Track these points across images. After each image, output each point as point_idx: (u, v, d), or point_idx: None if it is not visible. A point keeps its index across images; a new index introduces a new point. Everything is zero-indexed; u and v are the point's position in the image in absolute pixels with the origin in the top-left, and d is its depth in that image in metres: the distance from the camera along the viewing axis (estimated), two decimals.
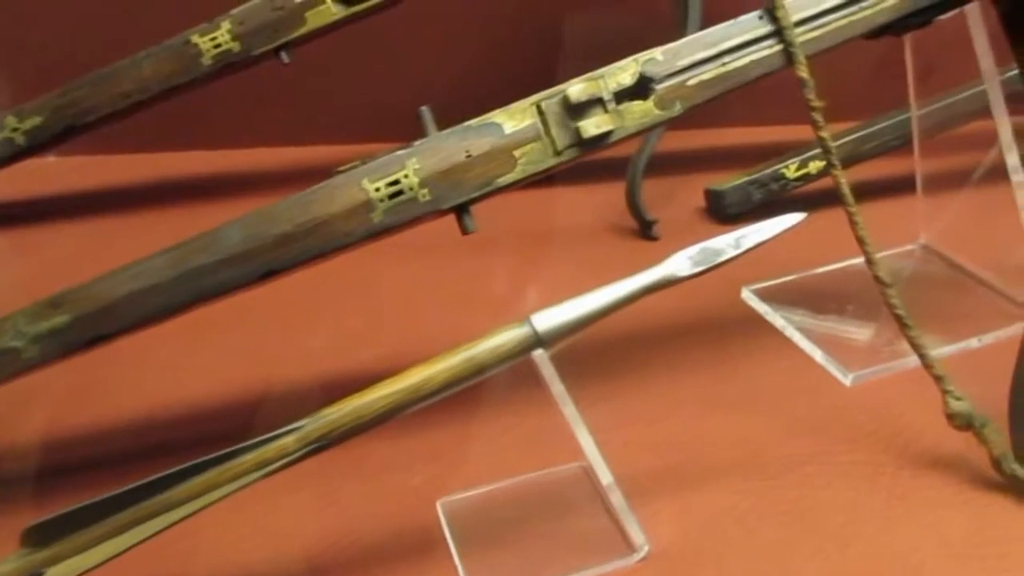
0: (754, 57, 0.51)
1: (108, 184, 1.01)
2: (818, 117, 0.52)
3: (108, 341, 0.50)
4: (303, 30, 0.79)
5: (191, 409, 0.66)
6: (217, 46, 0.79)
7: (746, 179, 0.85)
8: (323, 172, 0.98)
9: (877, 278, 0.54)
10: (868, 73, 0.83)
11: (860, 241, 0.54)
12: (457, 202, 0.50)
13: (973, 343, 0.68)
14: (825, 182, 0.89)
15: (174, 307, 0.50)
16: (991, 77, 0.61)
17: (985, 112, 0.67)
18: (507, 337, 0.44)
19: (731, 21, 0.51)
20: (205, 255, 0.49)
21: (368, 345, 0.72)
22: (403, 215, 0.50)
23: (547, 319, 0.45)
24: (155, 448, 0.63)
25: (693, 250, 0.45)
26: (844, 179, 0.53)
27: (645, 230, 0.84)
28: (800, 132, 0.86)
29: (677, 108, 0.51)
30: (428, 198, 0.50)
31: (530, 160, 0.50)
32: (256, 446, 0.41)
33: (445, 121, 0.93)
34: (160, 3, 0.91)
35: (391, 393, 0.43)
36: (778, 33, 0.50)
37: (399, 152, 0.50)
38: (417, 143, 0.50)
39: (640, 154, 0.85)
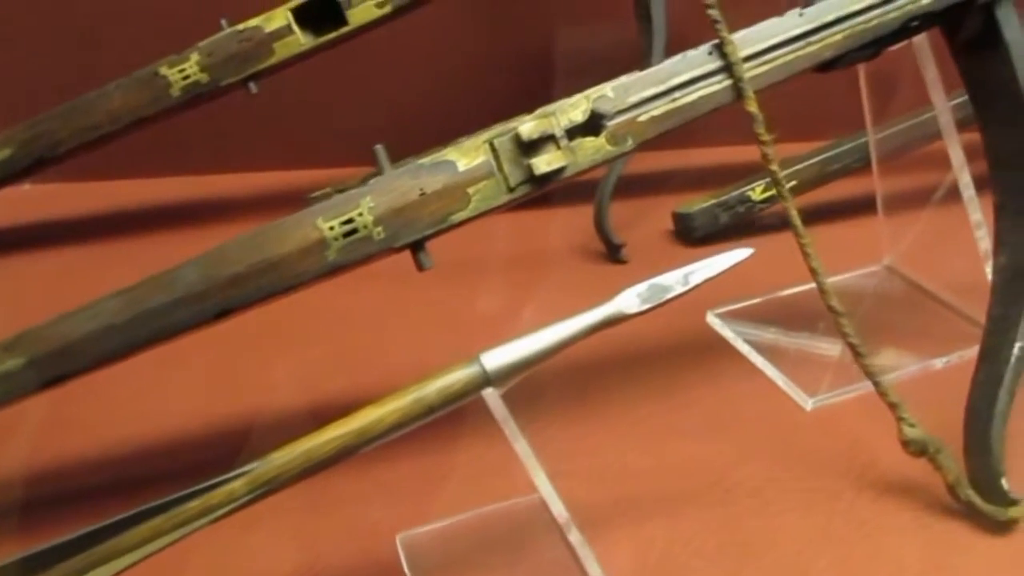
0: (704, 92, 0.51)
1: (84, 212, 1.01)
2: (768, 150, 0.53)
3: (65, 382, 0.50)
4: (271, 61, 0.80)
5: (156, 444, 0.66)
6: (186, 77, 0.80)
7: (713, 202, 0.86)
8: (296, 197, 0.98)
9: (830, 307, 0.55)
10: (845, 88, 0.84)
11: (812, 272, 0.54)
12: (411, 240, 0.50)
13: (936, 364, 0.68)
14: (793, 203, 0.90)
15: (130, 347, 0.50)
16: (941, 104, 0.62)
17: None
18: (456, 377, 0.44)
19: (680, 57, 0.52)
20: (160, 295, 0.49)
21: (334, 375, 0.72)
22: (357, 253, 0.50)
23: (496, 358, 0.45)
24: (120, 483, 0.63)
25: (642, 287, 0.46)
26: (795, 210, 0.54)
27: (613, 253, 0.85)
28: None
29: (629, 143, 0.51)
30: (382, 236, 0.50)
31: (484, 197, 0.50)
32: (204, 491, 0.41)
33: (415, 145, 0.94)
34: (128, 36, 0.92)
35: (340, 435, 0.43)
36: (727, 68, 0.51)
37: (353, 191, 0.51)
38: (371, 182, 0.51)
39: (607, 177, 0.85)
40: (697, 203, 0.87)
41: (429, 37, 0.98)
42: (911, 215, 0.78)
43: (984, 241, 0.68)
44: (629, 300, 0.45)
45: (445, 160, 0.50)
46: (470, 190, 0.50)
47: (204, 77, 0.80)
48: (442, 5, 0.82)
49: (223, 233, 0.99)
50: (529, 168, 0.50)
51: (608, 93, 0.51)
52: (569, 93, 0.92)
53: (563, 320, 0.46)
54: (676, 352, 0.70)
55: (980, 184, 0.67)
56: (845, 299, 0.76)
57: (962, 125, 0.66)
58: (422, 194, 0.50)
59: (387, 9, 0.79)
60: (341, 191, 0.97)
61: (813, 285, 0.76)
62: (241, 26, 0.79)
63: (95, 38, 0.96)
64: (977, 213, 0.68)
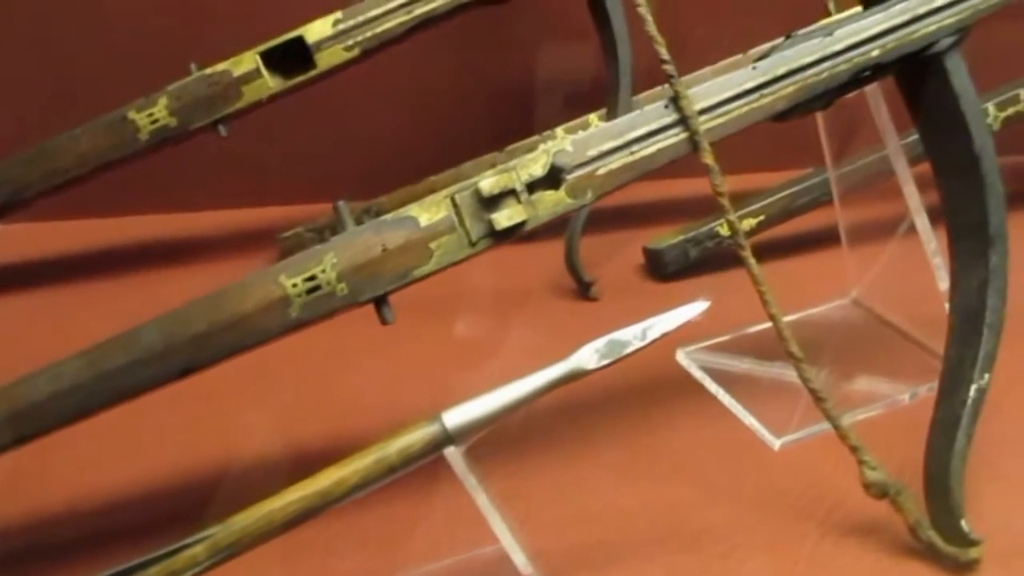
0: (660, 146, 0.52)
1: (53, 252, 1.00)
2: (724, 202, 0.54)
3: (26, 443, 0.50)
4: (240, 104, 0.80)
5: (127, 494, 0.66)
6: (154, 121, 0.80)
7: (682, 237, 0.87)
8: (268, 235, 0.99)
9: (789, 353, 0.55)
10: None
11: (772, 318, 0.55)
12: (374, 295, 0.51)
13: (903, 399, 0.69)
14: (760, 237, 0.91)
15: (93, 408, 0.50)
16: (895, 149, 0.63)
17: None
18: (418, 436, 0.45)
19: (638, 111, 0.52)
20: (122, 356, 0.49)
21: (309, 418, 0.72)
22: (320, 310, 0.51)
23: (457, 416, 0.45)
24: (91, 536, 0.63)
25: (600, 343, 0.46)
26: (752, 259, 0.54)
27: (584, 291, 0.85)
28: (740, 182, 0.88)
29: (588, 196, 0.52)
30: (345, 292, 0.51)
31: (445, 252, 0.51)
32: (165, 557, 0.41)
33: (386, 182, 0.95)
34: (96, 81, 0.92)
35: (302, 497, 0.43)
36: (683, 122, 0.52)
37: (316, 247, 0.51)
38: (334, 238, 0.51)
39: (577, 216, 0.86)
40: (667, 238, 0.88)
41: (400, 74, 0.98)
42: (877, 247, 0.79)
43: (943, 270, 0.69)
44: (588, 356, 0.46)
45: (407, 216, 0.51)
46: (432, 245, 0.51)
47: (173, 121, 0.80)
48: (411, 44, 0.83)
49: (195, 272, 1.00)
50: (490, 223, 0.51)
51: (567, 147, 0.52)
52: (539, 128, 0.94)
53: (523, 377, 0.46)
54: (645, 392, 0.71)
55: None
56: (812, 334, 0.78)
57: (919, 161, 0.68)
58: (384, 250, 0.51)
59: (355, 52, 0.80)
60: (312, 231, 0.98)
61: (786, 319, 0.78)
62: (209, 70, 0.80)
63: (64, 83, 0.96)
64: (933, 242, 0.69)
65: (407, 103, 1.02)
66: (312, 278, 0.50)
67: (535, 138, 0.91)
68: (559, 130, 0.91)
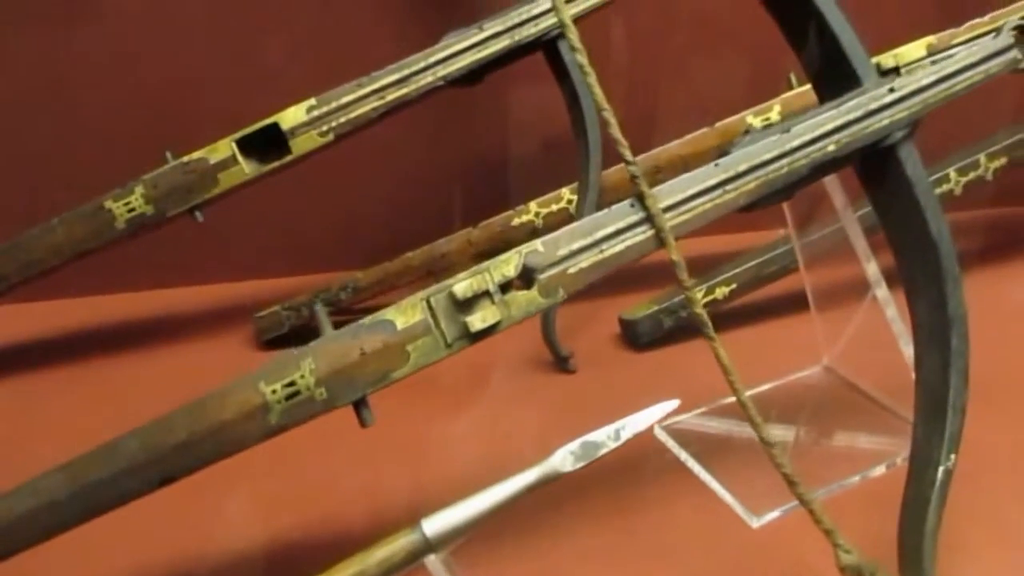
0: (628, 243, 0.54)
1: (28, 334, 0.99)
2: (692, 295, 0.55)
3: (7, 559, 0.50)
4: (216, 191, 0.81)
5: None
6: (131, 210, 0.81)
7: (656, 308, 0.88)
8: (244, 311, 0.98)
9: (762, 439, 0.56)
10: None
11: (743, 405, 0.56)
12: (353, 398, 0.52)
13: (878, 470, 0.70)
14: (733, 305, 0.93)
15: (72, 521, 0.50)
16: (854, 230, 0.65)
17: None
18: (399, 546, 0.45)
19: (605, 211, 0.54)
20: (103, 468, 0.50)
21: (287, 507, 0.72)
22: (300, 415, 0.51)
23: (437, 524, 0.46)
24: None
25: (574, 445, 0.47)
26: (723, 350, 0.56)
27: (561, 364, 0.86)
28: (716, 243, 0.90)
29: (560, 295, 0.54)
30: (324, 396, 0.51)
31: (422, 354, 0.52)
32: None
33: (363, 256, 0.95)
34: (72, 172, 0.93)
35: None
36: (649, 220, 0.54)
37: (294, 352, 0.52)
38: (312, 343, 0.52)
39: None
40: (642, 309, 0.89)
41: (374, 149, 1.00)
42: (846, 313, 0.81)
43: (907, 335, 0.70)
44: (563, 459, 0.47)
45: (383, 320, 0.52)
46: (408, 347, 0.52)
47: (149, 209, 0.81)
48: (385, 120, 0.85)
49: (172, 351, 0.99)
50: (465, 325, 0.52)
51: (538, 248, 0.53)
52: (513, 203, 0.95)
53: (500, 483, 0.47)
54: (623, 472, 0.71)
55: None
56: (787, 402, 0.79)
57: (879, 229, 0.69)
58: (362, 354, 0.52)
59: (330, 137, 0.81)
60: (288, 309, 0.98)
61: (760, 388, 0.80)
62: (186, 158, 0.81)
63: (38, 176, 0.96)
64: (892, 308, 0.71)
65: (382, 178, 1.04)
66: (291, 384, 0.51)
67: (508, 213, 0.93)
68: (532, 204, 0.93)
